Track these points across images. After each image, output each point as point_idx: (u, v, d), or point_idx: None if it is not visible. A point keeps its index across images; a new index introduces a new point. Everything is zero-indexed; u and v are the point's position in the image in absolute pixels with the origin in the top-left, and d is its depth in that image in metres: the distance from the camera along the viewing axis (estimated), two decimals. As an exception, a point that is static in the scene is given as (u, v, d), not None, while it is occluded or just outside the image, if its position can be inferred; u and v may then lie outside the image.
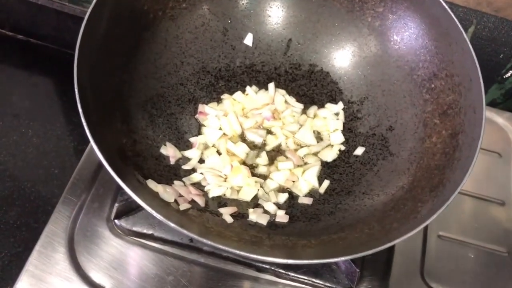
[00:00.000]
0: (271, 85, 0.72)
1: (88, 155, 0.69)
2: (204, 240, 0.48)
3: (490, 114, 0.83)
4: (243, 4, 0.70)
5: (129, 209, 0.63)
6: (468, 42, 0.60)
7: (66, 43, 1.12)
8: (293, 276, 0.62)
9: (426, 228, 0.69)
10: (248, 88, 0.72)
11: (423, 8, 0.65)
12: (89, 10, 0.54)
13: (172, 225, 0.48)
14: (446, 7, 0.62)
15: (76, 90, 0.51)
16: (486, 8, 0.79)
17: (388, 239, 0.49)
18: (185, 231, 0.48)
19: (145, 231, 0.63)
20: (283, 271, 0.62)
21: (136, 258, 0.62)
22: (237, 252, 0.49)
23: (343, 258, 0.48)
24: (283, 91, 0.73)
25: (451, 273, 0.67)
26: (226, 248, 0.49)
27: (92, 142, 0.49)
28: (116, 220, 0.63)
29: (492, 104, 0.95)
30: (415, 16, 0.66)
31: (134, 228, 0.63)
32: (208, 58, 0.71)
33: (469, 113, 0.58)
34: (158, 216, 0.48)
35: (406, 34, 0.67)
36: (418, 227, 0.48)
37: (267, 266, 0.62)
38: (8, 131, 1.03)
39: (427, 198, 0.55)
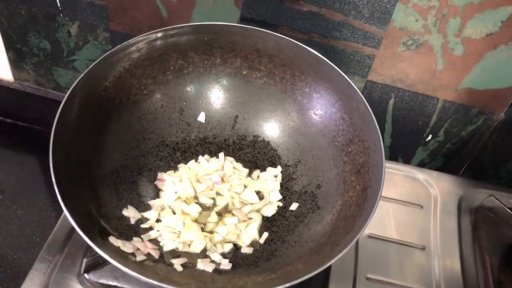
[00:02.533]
0: (221, 154, 0.85)
1: (62, 220, 0.80)
2: (155, 283, 0.59)
3: (413, 172, 0.97)
4: (191, 90, 0.85)
5: (96, 264, 0.73)
6: (372, 114, 0.74)
7: (50, 125, 1.25)
8: (237, 318, 0.72)
9: (355, 271, 0.80)
10: (200, 157, 0.85)
11: (339, 88, 0.79)
12: (64, 100, 0.68)
13: (127, 270, 0.58)
14: (355, 87, 0.77)
15: (51, 164, 0.63)
16: (400, 84, 0.95)
17: (302, 276, 0.60)
18: (137, 275, 0.58)
19: (110, 282, 0.73)
20: (229, 313, 0.72)
21: (103, 308, 0.72)
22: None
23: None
24: (231, 159, 0.86)
25: (378, 310, 0.77)
26: (173, 288, 0.59)
27: (63, 208, 0.60)
28: (85, 274, 0.73)
29: (421, 164, 1.09)
30: (334, 94, 0.80)
31: (101, 281, 0.73)
32: (167, 134, 0.85)
33: (375, 171, 0.71)
34: (117, 264, 0.58)
35: (328, 109, 0.81)
36: (323, 267, 0.60)
37: (215, 309, 0.72)
38: (-6, 205, 1.14)
39: (342, 242, 0.67)
